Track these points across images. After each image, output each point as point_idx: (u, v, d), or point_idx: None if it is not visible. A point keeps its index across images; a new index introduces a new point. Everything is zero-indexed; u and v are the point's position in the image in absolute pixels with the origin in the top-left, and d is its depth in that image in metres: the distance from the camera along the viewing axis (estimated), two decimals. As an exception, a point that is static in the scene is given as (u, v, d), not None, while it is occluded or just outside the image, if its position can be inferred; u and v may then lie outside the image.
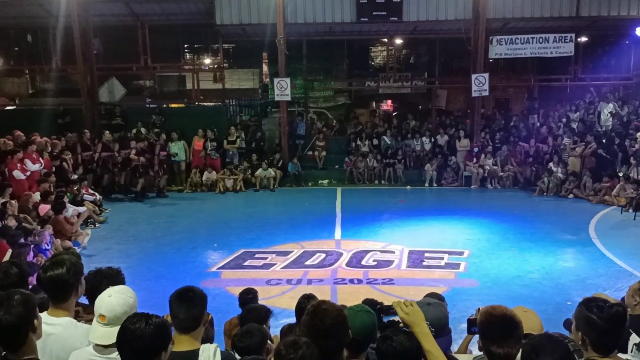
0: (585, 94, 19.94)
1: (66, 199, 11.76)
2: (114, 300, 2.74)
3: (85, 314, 3.29)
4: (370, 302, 3.55)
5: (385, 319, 2.85)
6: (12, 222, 9.67)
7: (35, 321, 2.53)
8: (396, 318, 2.77)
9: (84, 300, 3.33)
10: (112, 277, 3.37)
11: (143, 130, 17.36)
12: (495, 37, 18.10)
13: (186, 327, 2.82)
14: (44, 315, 2.92)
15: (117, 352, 2.51)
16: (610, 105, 18.09)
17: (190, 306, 2.82)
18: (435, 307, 3.19)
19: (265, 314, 4.70)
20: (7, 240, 8.69)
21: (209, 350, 2.86)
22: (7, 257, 8.06)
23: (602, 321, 2.49)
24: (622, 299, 4.38)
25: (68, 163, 14.29)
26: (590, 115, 18.64)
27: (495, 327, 2.62)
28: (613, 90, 20.23)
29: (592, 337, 2.55)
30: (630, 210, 13.23)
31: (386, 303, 2.98)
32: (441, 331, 3.00)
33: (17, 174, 11.80)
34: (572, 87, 20.97)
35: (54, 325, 2.92)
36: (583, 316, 2.56)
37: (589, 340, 2.56)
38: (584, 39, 20.52)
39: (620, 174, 14.99)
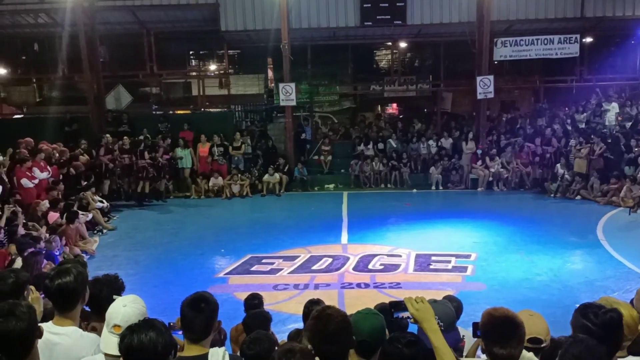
0: (591, 95, 19.86)
1: (75, 207, 11.83)
2: (129, 310, 2.73)
3: (84, 322, 3.28)
4: (381, 307, 3.57)
5: (395, 315, 2.87)
6: (21, 230, 9.74)
7: (41, 326, 2.54)
8: (406, 314, 2.79)
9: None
10: (111, 284, 3.37)
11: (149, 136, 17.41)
12: (500, 39, 18.08)
13: (197, 339, 2.83)
14: (49, 325, 2.93)
15: None
16: (615, 105, 17.99)
17: (203, 316, 2.82)
18: (441, 304, 3.35)
19: (267, 319, 4.72)
20: (17, 248, 8.76)
21: (218, 355, 2.86)
22: (18, 264, 8.10)
23: (597, 327, 2.50)
24: (631, 301, 4.35)
25: (81, 169, 14.27)
26: (597, 117, 18.55)
27: (497, 328, 2.62)
28: (619, 91, 20.14)
29: None
30: (638, 212, 13.15)
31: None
32: (449, 328, 3.08)
33: (25, 182, 11.88)
34: (577, 88, 20.89)
35: (60, 335, 2.91)
36: (579, 323, 2.57)
37: None
38: (589, 39, 20.44)
39: (628, 174, 14.88)
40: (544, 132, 17.73)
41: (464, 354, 3.88)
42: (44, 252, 8.68)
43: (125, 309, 2.74)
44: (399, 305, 2.85)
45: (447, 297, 4.63)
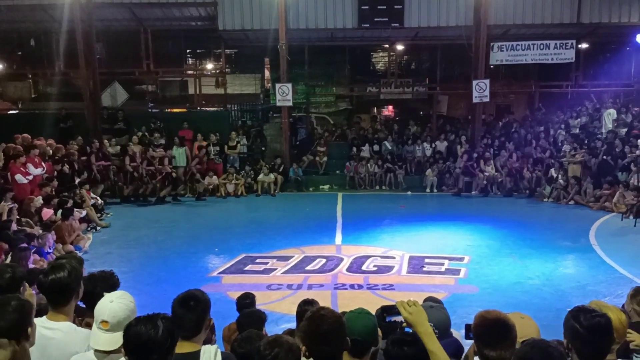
0: (586, 101, 19.96)
1: (70, 204, 11.79)
2: (116, 305, 2.72)
3: (78, 318, 3.28)
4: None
5: (388, 319, 2.85)
6: (13, 226, 9.70)
7: (29, 329, 2.51)
8: (399, 318, 2.78)
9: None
10: (106, 280, 3.38)
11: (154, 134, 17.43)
12: (497, 43, 18.16)
13: (188, 336, 2.82)
14: (43, 320, 2.92)
15: (118, 358, 2.51)
16: (613, 111, 18.05)
17: (192, 314, 2.81)
18: (438, 310, 3.29)
19: (261, 318, 4.72)
20: (10, 244, 8.72)
21: (210, 352, 2.86)
22: (8, 260, 8.08)
23: (584, 330, 2.51)
24: (623, 305, 4.38)
25: (74, 167, 14.23)
26: (595, 122, 18.61)
27: (489, 330, 2.63)
28: (614, 97, 20.25)
29: (576, 346, 2.56)
30: (631, 217, 13.22)
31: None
32: (444, 333, 3.05)
33: (19, 177, 11.82)
34: (573, 93, 21.02)
35: (53, 330, 2.91)
36: (569, 325, 2.59)
37: (574, 349, 2.57)
38: (584, 45, 20.58)
39: (621, 180, 14.97)
40: (538, 139, 17.76)
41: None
42: (33, 249, 8.68)
43: (112, 304, 2.73)
44: (392, 310, 2.83)
45: (429, 298, 4.64)
